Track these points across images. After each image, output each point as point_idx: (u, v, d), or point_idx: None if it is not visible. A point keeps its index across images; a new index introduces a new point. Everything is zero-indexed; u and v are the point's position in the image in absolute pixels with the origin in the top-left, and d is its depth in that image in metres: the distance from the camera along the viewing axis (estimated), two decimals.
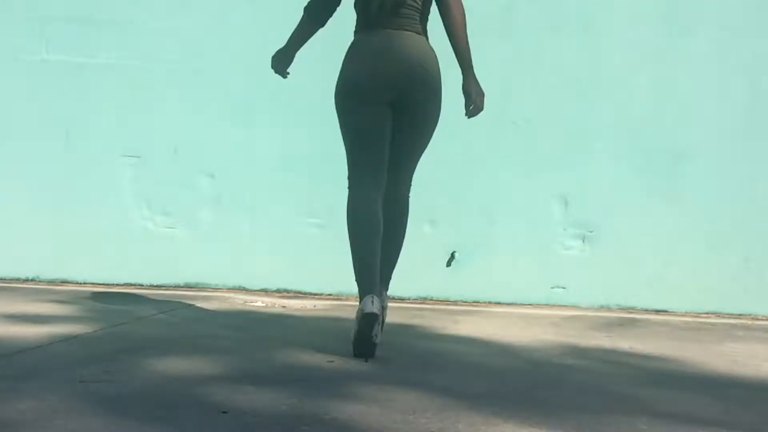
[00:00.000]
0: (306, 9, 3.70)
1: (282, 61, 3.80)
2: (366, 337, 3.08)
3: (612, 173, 4.97)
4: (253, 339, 3.58)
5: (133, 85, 5.22)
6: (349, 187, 3.41)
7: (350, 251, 3.40)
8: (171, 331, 3.71)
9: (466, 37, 3.47)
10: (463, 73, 3.44)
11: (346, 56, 3.48)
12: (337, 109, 3.50)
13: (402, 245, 3.62)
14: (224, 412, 2.34)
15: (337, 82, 3.49)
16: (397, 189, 3.48)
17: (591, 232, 4.99)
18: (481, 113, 3.60)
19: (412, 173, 3.56)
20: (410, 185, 3.57)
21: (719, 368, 3.25)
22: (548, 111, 5.00)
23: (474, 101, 3.41)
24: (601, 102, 4.98)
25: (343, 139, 3.49)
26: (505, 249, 5.01)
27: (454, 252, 5.05)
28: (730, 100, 4.92)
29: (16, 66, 5.29)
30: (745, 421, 2.50)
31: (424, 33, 3.45)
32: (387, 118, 3.36)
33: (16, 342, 3.24)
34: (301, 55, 5.13)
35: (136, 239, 5.21)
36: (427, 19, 3.47)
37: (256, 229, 5.16)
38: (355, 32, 3.48)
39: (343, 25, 5.14)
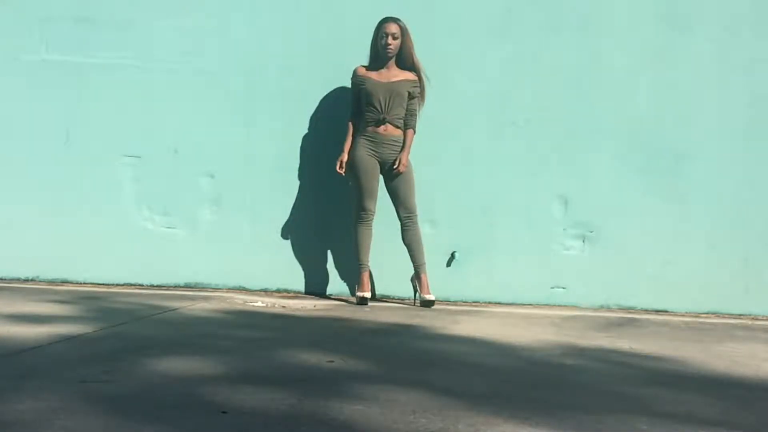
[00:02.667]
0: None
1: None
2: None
3: (612, 173, 4.96)
4: (253, 339, 3.58)
5: (133, 85, 5.22)
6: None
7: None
8: (171, 331, 3.71)
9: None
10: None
11: None
12: None
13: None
14: (224, 412, 2.34)
15: None
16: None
17: (591, 232, 4.98)
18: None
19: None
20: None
21: (719, 368, 3.25)
22: (548, 111, 5.00)
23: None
24: (601, 102, 4.97)
25: None
26: (505, 249, 5.01)
27: (454, 252, 5.05)
28: (730, 100, 4.92)
29: (16, 66, 5.29)
30: (745, 421, 2.50)
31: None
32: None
33: (16, 342, 3.24)
34: (301, 55, 5.15)
35: (136, 239, 5.21)
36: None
37: (256, 229, 5.16)
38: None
39: (343, 27, 5.16)
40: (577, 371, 3.13)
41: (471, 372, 3.05)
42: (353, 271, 5.08)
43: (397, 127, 4.81)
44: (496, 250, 5.01)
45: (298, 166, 5.13)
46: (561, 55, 4.99)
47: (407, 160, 4.79)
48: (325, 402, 2.48)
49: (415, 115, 4.85)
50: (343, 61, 5.07)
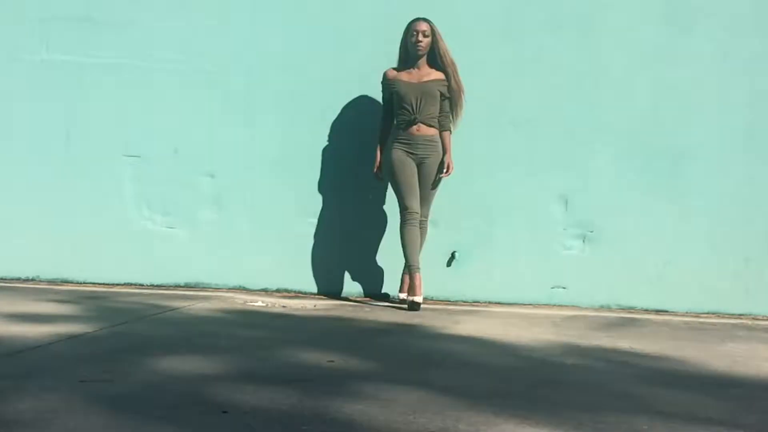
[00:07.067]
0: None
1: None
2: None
3: (612, 173, 4.96)
4: (253, 339, 3.58)
5: (133, 85, 5.22)
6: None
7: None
8: (171, 331, 3.71)
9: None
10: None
11: None
12: None
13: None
14: (224, 412, 2.34)
15: None
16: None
17: (591, 232, 4.98)
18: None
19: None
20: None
21: (719, 368, 3.26)
22: (548, 111, 5.00)
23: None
24: (601, 102, 4.97)
25: None
26: (505, 249, 5.01)
27: (454, 252, 5.05)
28: (730, 100, 4.92)
29: (16, 66, 5.29)
30: (745, 421, 2.50)
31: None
32: None
33: (16, 342, 3.24)
34: (301, 55, 5.15)
35: (136, 239, 5.21)
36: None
37: (256, 229, 5.16)
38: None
39: (343, 26, 5.16)
40: (578, 371, 3.13)
41: (471, 372, 3.05)
42: (353, 270, 5.09)
43: (431, 126, 4.73)
44: (496, 250, 5.01)
45: (298, 166, 5.13)
46: (561, 55, 4.99)
47: (451, 161, 4.76)
48: (325, 401, 2.48)
49: (449, 115, 4.78)
50: (343, 61, 5.07)
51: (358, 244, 5.12)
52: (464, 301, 5.00)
